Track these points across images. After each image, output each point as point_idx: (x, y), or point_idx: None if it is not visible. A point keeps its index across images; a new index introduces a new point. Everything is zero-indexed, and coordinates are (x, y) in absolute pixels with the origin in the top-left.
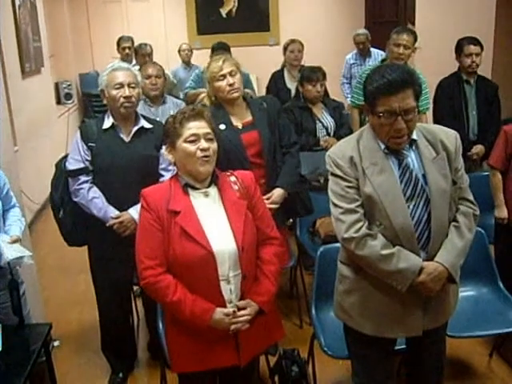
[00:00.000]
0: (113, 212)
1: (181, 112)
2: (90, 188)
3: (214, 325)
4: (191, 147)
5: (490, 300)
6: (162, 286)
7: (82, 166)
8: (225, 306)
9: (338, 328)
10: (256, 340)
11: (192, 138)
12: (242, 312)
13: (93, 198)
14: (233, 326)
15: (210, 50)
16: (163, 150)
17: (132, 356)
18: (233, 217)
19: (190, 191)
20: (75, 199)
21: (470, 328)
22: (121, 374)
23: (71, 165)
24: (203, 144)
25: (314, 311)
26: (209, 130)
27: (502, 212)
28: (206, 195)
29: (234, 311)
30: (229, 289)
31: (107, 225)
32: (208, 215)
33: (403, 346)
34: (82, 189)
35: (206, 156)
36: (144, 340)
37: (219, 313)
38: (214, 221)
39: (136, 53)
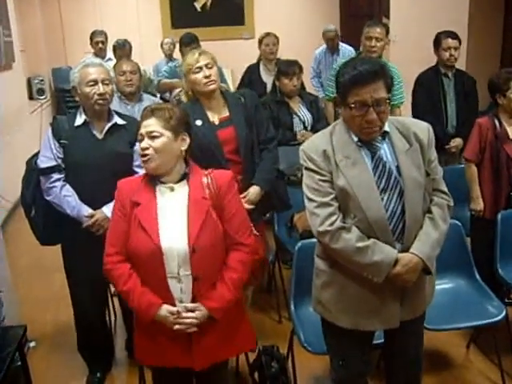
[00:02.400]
0: (86, 210)
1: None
2: (62, 186)
3: (159, 320)
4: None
5: (467, 292)
6: (116, 274)
7: (54, 163)
8: (173, 304)
9: (317, 323)
10: (214, 346)
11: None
12: (188, 314)
13: (65, 197)
14: (176, 327)
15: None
16: (137, 146)
17: (109, 355)
18: (192, 215)
19: (158, 185)
20: (47, 198)
21: (447, 320)
22: (98, 374)
23: (43, 163)
24: (143, 143)
25: (292, 307)
26: (153, 129)
27: (478, 204)
28: (171, 190)
29: (178, 311)
30: (179, 287)
31: (83, 226)
32: (168, 210)
33: (382, 340)
34: (54, 187)
35: (144, 155)
36: (121, 339)
37: (164, 309)
38: (172, 217)
39: (114, 50)
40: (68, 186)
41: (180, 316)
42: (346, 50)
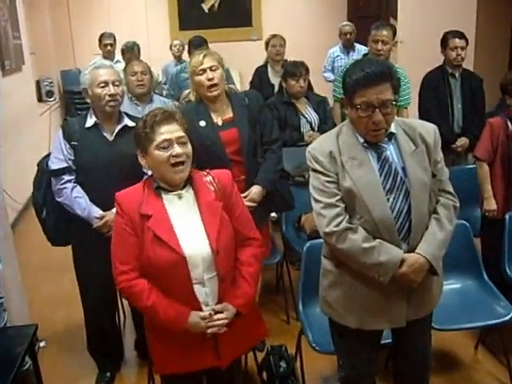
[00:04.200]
0: (96, 212)
1: (151, 115)
2: (73, 188)
3: (191, 328)
4: (164, 154)
5: (474, 292)
6: (136, 291)
7: (65, 165)
8: (201, 309)
9: (325, 323)
10: (236, 341)
11: (164, 144)
12: (219, 316)
13: (76, 198)
14: (209, 330)
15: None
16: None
17: (119, 355)
18: (207, 219)
19: (163, 194)
20: (58, 199)
21: (455, 321)
22: (108, 374)
23: (54, 164)
24: (176, 150)
25: (300, 307)
26: (182, 134)
27: (491, 204)
28: (179, 197)
29: (210, 314)
30: (204, 292)
31: (94, 226)
32: (181, 218)
33: (389, 340)
34: (65, 188)
35: (179, 162)
36: (131, 339)
37: (195, 316)
38: (187, 224)
39: (123, 53)
40: (79, 188)
41: (211, 319)
42: (362, 49)
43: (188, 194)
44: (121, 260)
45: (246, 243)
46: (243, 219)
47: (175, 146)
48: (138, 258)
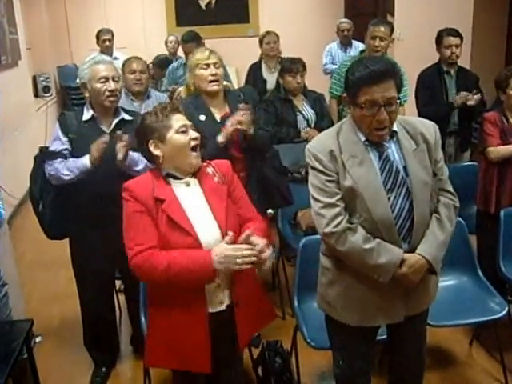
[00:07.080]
0: (84, 158)
1: (161, 107)
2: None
3: (219, 261)
4: (184, 138)
5: (469, 289)
6: (154, 254)
7: (60, 148)
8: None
9: (320, 319)
10: (252, 322)
11: (183, 129)
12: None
13: (61, 163)
14: (237, 264)
15: None
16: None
17: (115, 351)
18: (215, 204)
19: (172, 181)
20: (48, 176)
21: (450, 317)
22: (104, 369)
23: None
24: (194, 133)
25: (296, 303)
26: (190, 123)
27: None
28: (187, 185)
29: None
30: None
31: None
32: (190, 204)
33: (385, 336)
34: (52, 164)
35: (197, 145)
36: (127, 334)
37: (217, 248)
38: (197, 209)
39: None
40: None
41: (239, 247)
42: (359, 45)
43: (193, 181)
44: (137, 242)
45: (247, 222)
46: (244, 203)
47: (191, 131)
48: (156, 236)
